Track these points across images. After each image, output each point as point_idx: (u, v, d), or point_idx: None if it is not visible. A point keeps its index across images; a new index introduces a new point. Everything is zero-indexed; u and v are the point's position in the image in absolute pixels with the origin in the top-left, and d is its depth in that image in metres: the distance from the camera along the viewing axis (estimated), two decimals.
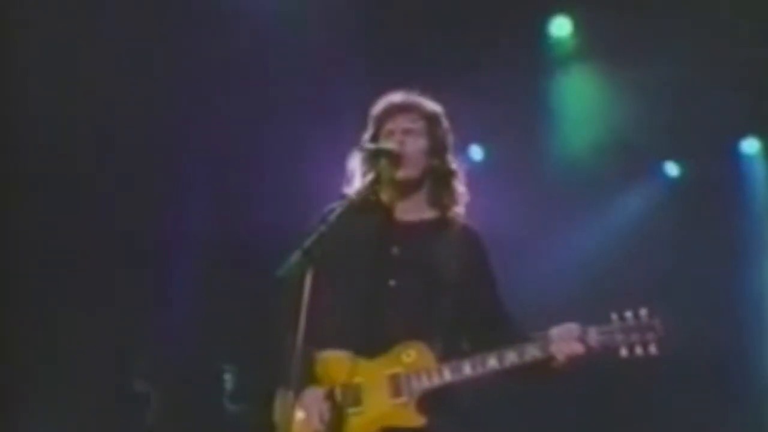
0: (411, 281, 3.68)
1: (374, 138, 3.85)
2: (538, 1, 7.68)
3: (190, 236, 7.63)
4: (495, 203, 5.69)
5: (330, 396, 3.53)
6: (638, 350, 3.56)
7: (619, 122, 7.87)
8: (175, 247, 7.67)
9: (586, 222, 8.16)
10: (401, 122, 3.84)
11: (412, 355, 3.58)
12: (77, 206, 7.24)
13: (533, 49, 7.81)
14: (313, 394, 3.54)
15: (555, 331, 3.61)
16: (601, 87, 7.94)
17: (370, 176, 3.71)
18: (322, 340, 3.54)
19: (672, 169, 8.47)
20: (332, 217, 3.51)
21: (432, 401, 3.55)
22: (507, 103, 7.59)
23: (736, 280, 7.97)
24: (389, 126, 3.85)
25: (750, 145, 8.35)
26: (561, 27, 7.82)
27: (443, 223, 3.85)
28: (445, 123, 3.93)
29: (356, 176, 3.82)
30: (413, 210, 3.85)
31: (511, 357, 3.57)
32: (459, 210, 3.88)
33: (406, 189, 3.83)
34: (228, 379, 7.02)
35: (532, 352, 3.58)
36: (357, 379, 3.55)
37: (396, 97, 3.91)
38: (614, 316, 3.60)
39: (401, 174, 3.76)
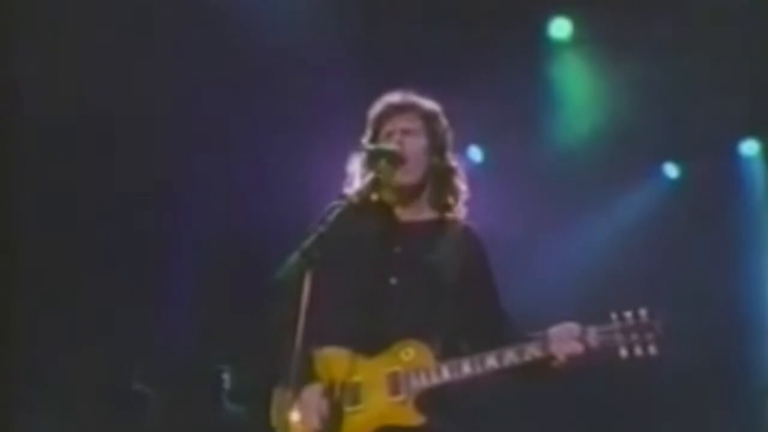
0: (412, 280, 3.69)
1: (373, 140, 3.86)
2: (538, 2, 7.69)
3: (190, 236, 7.63)
4: (494, 204, 5.69)
5: (328, 394, 3.52)
6: (638, 350, 3.55)
7: (619, 124, 7.87)
8: (174, 247, 7.66)
9: (585, 223, 8.15)
10: (400, 123, 3.85)
11: (411, 353, 3.58)
12: (77, 206, 7.23)
13: (533, 50, 7.81)
14: (312, 392, 3.54)
15: (554, 331, 3.61)
16: (600, 88, 7.94)
17: (370, 176, 3.69)
18: (321, 337, 3.54)
19: (671, 170, 8.47)
20: (331, 218, 3.51)
21: (430, 400, 3.55)
22: (506, 105, 7.59)
23: (736, 281, 7.96)
24: (388, 127, 3.85)
25: (749, 147, 8.35)
26: (560, 28, 7.82)
27: (444, 223, 3.86)
28: (444, 121, 3.93)
29: (356, 178, 3.82)
30: (415, 210, 3.86)
31: (511, 356, 3.57)
32: (460, 210, 3.89)
33: (407, 193, 3.84)
34: (227, 379, 7.01)
35: (532, 351, 3.58)
36: (356, 377, 3.55)
37: (393, 97, 3.92)
38: (614, 316, 3.59)
39: (403, 179, 3.77)
